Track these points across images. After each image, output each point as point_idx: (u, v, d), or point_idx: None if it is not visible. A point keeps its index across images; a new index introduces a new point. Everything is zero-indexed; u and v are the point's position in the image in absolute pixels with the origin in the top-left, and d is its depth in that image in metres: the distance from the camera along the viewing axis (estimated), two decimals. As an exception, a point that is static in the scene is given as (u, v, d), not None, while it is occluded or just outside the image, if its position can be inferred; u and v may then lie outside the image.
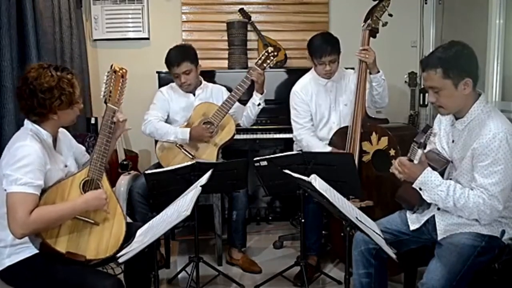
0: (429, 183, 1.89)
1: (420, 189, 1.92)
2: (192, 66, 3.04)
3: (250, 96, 3.16)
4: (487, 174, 1.80)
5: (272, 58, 3.00)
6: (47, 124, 1.89)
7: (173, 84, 3.22)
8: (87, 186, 1.93)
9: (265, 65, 2.99)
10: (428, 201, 1.93)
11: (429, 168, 1.90)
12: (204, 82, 3.22)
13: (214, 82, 3.45)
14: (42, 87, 1.82)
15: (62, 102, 1.84)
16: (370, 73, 2.79)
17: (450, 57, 1.83)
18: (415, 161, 1.91)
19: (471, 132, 1.88)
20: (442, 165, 1.98)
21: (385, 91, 2.89)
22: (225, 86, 3.35)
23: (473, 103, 1.88)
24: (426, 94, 3.62)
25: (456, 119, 1.96)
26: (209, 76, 3.56)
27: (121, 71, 2.09)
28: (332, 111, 3.03)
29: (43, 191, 1.79)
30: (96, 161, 1.97)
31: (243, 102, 3.21)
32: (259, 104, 3.09)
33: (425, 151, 1.98)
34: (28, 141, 1.79)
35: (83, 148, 2.22)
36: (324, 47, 2.85)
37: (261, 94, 3.08)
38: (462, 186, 1.89)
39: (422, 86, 3.89)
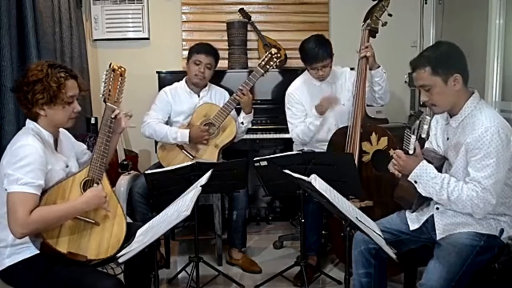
0: (425, 175, 1.90)
1: (416, 182, 1.93)
2: (214, 64, 3.13)
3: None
4: (479, 168, 1.82)
5: (275, 59, 2.99)
6: (42, 122, 1.89)
7: (178, 84, 3.22)
8: (87, 186, 1.93)
9: (268, 66, 2.99)
10: (423, 194, 1.93)
11: (424, 161, 1.92)
12: (209, 84, 3.23)
13: (214, 82, 3.45)
14: (28, 79, 1.83)
15: (43, 97, 1.82)
16: (371, 69, 2.79)
17: (437, 55, 1.89)
18: (410, 150, 1.91)
19: (464, 129, 1.91)
20: (438, 161, 1.99)
21: (387, 86, 2.89)
22: (225, 86, 3.35)
23: (466, 100, 1.92)
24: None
25: (451, 116, 1.99)
26: (217, 76, 3.54)
27: (119, 70, 2.08)
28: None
29: (44, 191, 1.80)
30: (96, 161, 1.97)
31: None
32: (242, 123, 3.09)
33: (422, 149, 1.99)
34: (30, 141, 1.79)
35: (84, 146, 2.22)
36: (315, 53, 2.82)
37: (247, 113, 3.06)
38: (457, 180, 1.90)
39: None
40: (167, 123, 3.10)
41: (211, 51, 3.11)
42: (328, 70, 2.91)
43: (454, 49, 1.93)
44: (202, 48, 3.11)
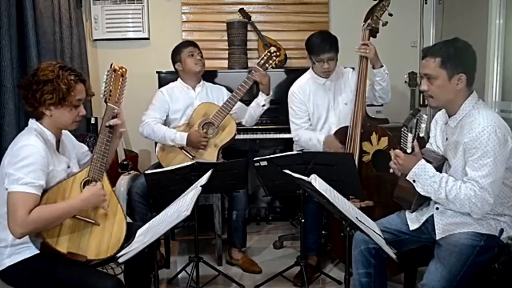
0: (423, 174, 1.90)
1: (414, 181, 1.93)
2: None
3: (252, 97, 3.17)
4: (477, 167, 1.82)
5: (274, 58, 2.99)
6: (46, 123, 1.89)
7: (173, 84, 3.23)
8: (87, 186, 1.92)
9: (267, 65, 2.98)
10: (421, 193, 1.93)
11: (423, 160, 1.93)
12: (203, 81, 3.25)
13: (214, 82, 3.46)
14: (38, 78, 1.83)
15: (52, 98, 1.83)
16: (374, 68, 2.79)
17: (451, 50, 1.90)
18: (408, 149, 1.92)
19: (462, 129, 1.91)
20: (438, 161, 1.99)
21: (388, 86, 2.89)
22: (225, 86, 3.35)
23: (464, 101, 1.92)
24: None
25: (449, 117, 2.00)
26: (209, 76, 3.56)
27: (120, 70, 2.08)
28: (330, 110, 3.02)
29: (44, 191, 1.79)
30: (96, 161, 1.97)
31: (246, 102, 3.21)
32: (263, 105, 3.09)
33: (422, 149, 2.00)
34: (32, 141, 1.79)
35: (86, 147, 2.22)
36: (322, 45, 2.85)
37: (267, 95, 3.08)
38: (455, 179, 1.90)
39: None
40: (165, 122, 3.11)
41: (194, 43, 3.21)
42: (334, 64, 2.91)
43: (468, 49, 1.93)
44: (188, 42, 3.23)
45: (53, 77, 1.83)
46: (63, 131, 2.01)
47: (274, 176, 2.48)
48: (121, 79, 2.08)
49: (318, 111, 3.02)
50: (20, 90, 1.92)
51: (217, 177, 2.42)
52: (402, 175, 2.02)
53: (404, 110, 4.04)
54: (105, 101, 2.05)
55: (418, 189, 1.94)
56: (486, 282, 1.90)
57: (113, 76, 2.06)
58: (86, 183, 1.93)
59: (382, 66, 2.80)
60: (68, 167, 1.97)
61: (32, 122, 1.90)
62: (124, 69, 2.10)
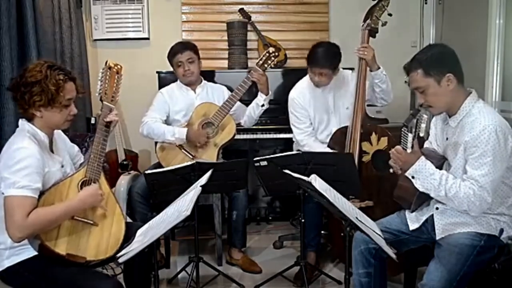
0: (423, 171, 1.91)
1: (413, 177, 1.93)
2: (195, 56, 3.10)
3: (252, 96, 3.17)
4: (477, 166, 1.83)
5: (273, 58, 2.99)
6: (38, 123, 1.86)
7: (174, 84, 3.23)
8: (85, 186, 1.91)
9: (266, 65, 2.99)
10: (420, 190, 1.94)
11: (423, 157, 1.93)
12: (204, 81, 3.24)
13: (214, 82, 3.46)
14: (26, 80, 1.80)
15: (41, 99, 1.80)
16: (371, 70, 2.78)
17: (428, 57, 1.91)
18: (408, 149, 1.93)
19: (463, 128, 1.91)
20: (438, 161, 2.00)
21: (389, 87, 2.88)
22: (225, 86, 3.35)
23: (463, 100, 1.93)
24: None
25: (449, 117, 2.00)
26: (209, 76, 3.56)
27: (116, 67, 2.05)
28: (331, 114, 3.01)
29: (41, 193, 1.78)
30: (93, 161, 1.95)
31: (246, 102, 3.21)
32: (262, 105, 3.09)
33: (422, 149, 2.00)
34: (26, 143, 1.77)
35: (77, 148, 2.19)
36: (316, 59, 2.82)
37: (266, 95, 3.07)
38: (454, 177, 1.91)
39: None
40: (166, 122, 3.10)
41: (184, 46, 3.11)
42: (326, 80, 2.88)
43: (445, 49, 1.95)
44: (176, 48, 3.11)
45: (41, 78, 1.79)
46: (55, 130, 1.99)
47: (274, 176, 2.48)
48: (116, 76, 2.05)
49: (319, 115, 3.01)
50: (10, 91, 1.87)
51: (217, 177, 2.42)
52: (402, 175, 2.02)
53: (404, 110, 4.03)
54: (101, 99, 2.02)
55: (417, 185, 1.94)
56: (486, 282, 1.90)
57: (108, 73, 2.02)
58: (83, 183, 1.92)
59: (379, 68, 2.79)
60: (62, 166, 1.95)
61: (23, 123, 1.86)
62: (119, 66, 2.07)
